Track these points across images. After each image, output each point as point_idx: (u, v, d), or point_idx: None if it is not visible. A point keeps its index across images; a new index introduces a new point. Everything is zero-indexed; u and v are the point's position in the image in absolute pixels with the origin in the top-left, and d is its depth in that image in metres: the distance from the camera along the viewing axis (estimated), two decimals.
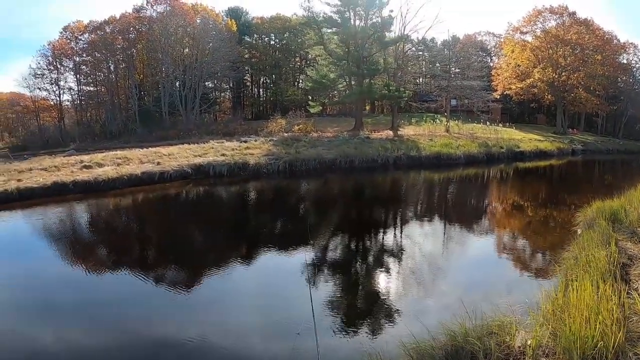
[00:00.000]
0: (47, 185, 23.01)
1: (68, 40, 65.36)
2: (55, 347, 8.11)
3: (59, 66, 65.29)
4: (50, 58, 64.52)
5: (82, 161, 28.09)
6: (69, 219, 20.21)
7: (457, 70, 54.33)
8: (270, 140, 34.23)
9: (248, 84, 77.03)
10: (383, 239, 14.12)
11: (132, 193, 23.48)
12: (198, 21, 60.27)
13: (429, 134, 37.88)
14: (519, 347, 5.11)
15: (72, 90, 67.22)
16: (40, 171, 26.26)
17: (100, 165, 27.17)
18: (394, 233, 14.76)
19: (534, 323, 5.66)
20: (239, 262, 12.15)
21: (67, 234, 17.29)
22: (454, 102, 50.51)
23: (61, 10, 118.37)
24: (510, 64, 60.57)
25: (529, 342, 5.02)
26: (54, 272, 12.56)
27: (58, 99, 67.40)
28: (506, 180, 26.82)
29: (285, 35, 70.84)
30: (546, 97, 59.61)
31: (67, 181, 23.55)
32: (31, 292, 11.01)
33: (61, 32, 66.14)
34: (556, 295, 6.39)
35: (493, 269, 10.91)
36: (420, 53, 66.93)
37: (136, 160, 28.17)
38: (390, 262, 11.61)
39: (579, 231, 11.00)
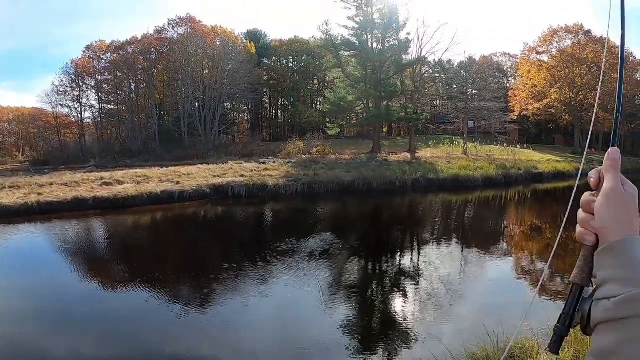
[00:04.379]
0: (68, 200, 23.42)
1: (90, 59, 66.63)
2: (68, 358, 8.31)
3: (81, 84, 66.52)
4: (72, 76, 65.80)
5: (102, 178, 28.50)
6: (88, 233, 20.56)
7: (474, 91, 54.20)
8: (288, 162, 34.44)
9: (266, 105, 77.62)
10: (401, 261, 14.15)
11: (151, 211, 23.74)
12: (218, 43, 61.16)
13: (446, 156, 37.88)
14: None
15: (93, 108, 68.42)
16: (61, 186, 26.68)
17: (120, 182, 27.52)
18: (412, 256, 14.80)
19: None
20: (255, 283, 12.24)
21: (85, 248, 17.62)
22: (471, 123, 50.39)
23: (84, 30, 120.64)
24: (527, 84, 60.27)
25: None
26: (70, 284, 12.82)
27: (79, 115, 68.73)
28: (524, 202, 26.72)
29: (303, 57, 71.40)
30: (564, 117, 59.14)
31: (87, 197, 23.94)
32: (47, 303, 11.28)
33: (84, 51, 67.44)
34: None
35: (512, 291, 10.92)
36: (437, 75, 66.79)
37: (156, 179, 28.46)
38: (409, 285, 11.65)
39: None
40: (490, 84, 51.48)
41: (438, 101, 69.01)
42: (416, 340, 8.20)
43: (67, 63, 69.67)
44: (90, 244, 18.93)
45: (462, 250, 15.30)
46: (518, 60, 68.43)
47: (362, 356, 7.89)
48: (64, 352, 8.52)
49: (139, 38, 64.28)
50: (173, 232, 21.02)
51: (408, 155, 39.33)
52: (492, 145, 44.78)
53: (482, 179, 30.06)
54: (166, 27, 63.33)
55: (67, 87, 66.03)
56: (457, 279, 11.91)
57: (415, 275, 12.36)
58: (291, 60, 73.98)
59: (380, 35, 43.76)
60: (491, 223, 20.35)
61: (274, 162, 34.34)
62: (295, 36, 73.63)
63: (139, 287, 11.95)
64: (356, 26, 42.95)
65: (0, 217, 21.65)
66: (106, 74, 66.63)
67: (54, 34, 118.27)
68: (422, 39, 44.01)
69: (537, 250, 15.07)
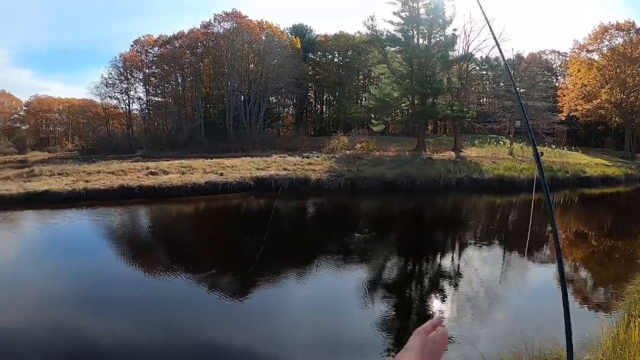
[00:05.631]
0: (114, 188, 24.14)
1: (138, 53, 68.64)
2: (106, 340, 8.64)
3: (129, 77, 68.54)
4: (121, 69, 67.81)
5: (148, 167, 29.16)
6: (132, 221, 21.12)
7: (521, 90, 53.04)
8: (332, 157, 34.51)
9: (311, 100, 77.83)
10: (441, 262, 14.13)
11: (194, 201, 24.16)
12: (263, 38, 61.74)
13: (492, 156, 37.18)
14: None
15: (141, 100, 70.72)
16: (108, 174, 27.44)
17: (165, 172, 28.09)
18: (452, 257, 14.76)
19: (592, 359, 5.55)
20: (293, 275, 12.38)
21: (127, 235, 18.16)
22: (518, 123, 49.24)
23: (132, 25, 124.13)
24: (576, 84, 58.04)
25: None
26: (111, 269, 13.28)
27: (127, 107, 71.10)
28: (570, 207, 26.03)
29: (348, 53, 71.31)
30: (614, 119, 56.73)
31: (133, 185, 24.59)
32: (89, 286, 11.70)
33: (132, 45, 69.55)
34: (617, 331, 6.23)
35: (552, 299, 10.65)
36: (484, 72, 65.74)
37: (200, 170, 28.93)
38: (447, 285, 11.63)
39: None
40: (539, 83, 50.19)
41: (484, 99, 67.91)
42: (451, 342, 8.11)
43: (115, 57, 71.93)
44: (133, 231, 19.45)
45: (504, 254, 15.12)
46: (567, 59, 66.46)
47: (395, 355, 7.81)
48: (101, 334, 8.87)
49: (186, 33, 65.64)
50: (215, 222, 21.36)
51: (453, 154, 38.89)
52: (539, 147, 43.59)
53: (527, 181, 29.15)
54: (212, 22, 64.18)
55: (115, 79, 68.20)
56: (496, 282, 11.81)
57: (454, 276, 12.34)
58: (336, 55, 73.94)
59: (426, 31, 43.16)
60: (535, 227, 19.92)
61: (317, 157, 34.48)
62: (340, 31, 73.41)
63: (178, 275, 12.26)
64: (402, 21, 42.50)
65: (48, 203, 22.55)
66: (153, 67, 68.35)
67: (101, 30, 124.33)
68: (468, 35, 43.08)
69: (581, 257, 14.73)
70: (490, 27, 3.05)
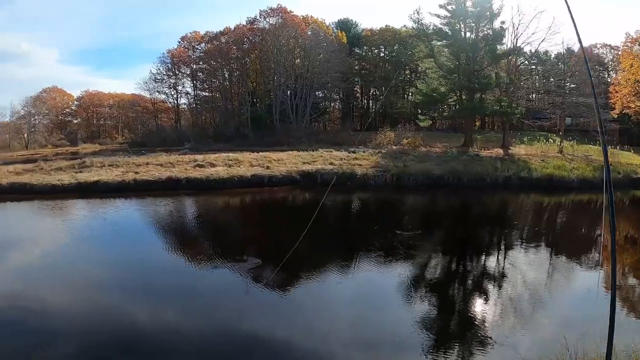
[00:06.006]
0: (162, 179, 24.82)
1: (186, 49, 70.61)
2: (149, 325, 9.16)
3: (177, 72, 70.57)
4: (169, 65, 70.06)
5: (195, 160, 29.79)
6: (178, 211, 21.62)
7: (572, 85, 51.40)
8: (378, 153, 34.49)
9: (358, 95, 77.67)
10: (485, 262, 13.99)
11: (240, 194, 24.55)
12: (309, 33, 61.92)
13: (541, 154, 36.19)
14: None
15: (188, 95, 72.62)
16: (157, 166, 28.16)
17: (212, 165, 28.60)
18: (498, 257, 14.62)
19: None
20: (335, 270, 12.48)
21: (173, 225, 18.70)
22: (568, 120, 47.95)
23: (178, 22, 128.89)
24: (629, 79, 55.26)
25: None
26: (157, 256, 13.74)
27: (175, 102, 73.27)
28: (622, 209, 25.03)
29: (395, 47, 70.94)
30: None
31: (180, 177, 25.21)
32: (135, 273, 12.19)
33: (179, 42, 71.76)
34: None
35: (598, 306, 10.41)
36: (534, 67, 64.18)
37: (247, 163, 29.30)
38: (491, 287, 11.55)
39: None
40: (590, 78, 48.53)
41: (534, 95, 66.25)
42: (491, 345, 8.11)
43: (163, 53, 73.94)
44: (179, 221, 19.92)
45: (550, 256, 14.76)
46: (619, 53, 64.11)
47: (434, 354, 7.81)
48: (146, 319, 9.25)
49: (232, 29, 66.63)
50: (260, 215, 21.65)
51: (501, 151, 38.27)
52: (590, 145, 42.31)
53: (577, 180, 28.22)
54: (258, 17, 64.98)
55: (164, 75, 70.55)
56: (541, 286, 11.61)
57: (498, 277, 12.25)
58: (382, 49, 73.66)
59: (473, 24, 42.50)
60: (584, 229, 19.37)
61: (363, 152, 34.47)
62: (386, 25, 73.14)
63: (221, 265, 12.60)
64: (448, 15, 42.02)
65: (99, 192, 23.42)
66: (201, 62, 69.93)
67: (149, 27, 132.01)
68: (517, 28, 41.63)
69: (631, 263, 14.19)
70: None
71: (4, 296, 10.47)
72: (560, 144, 40.10)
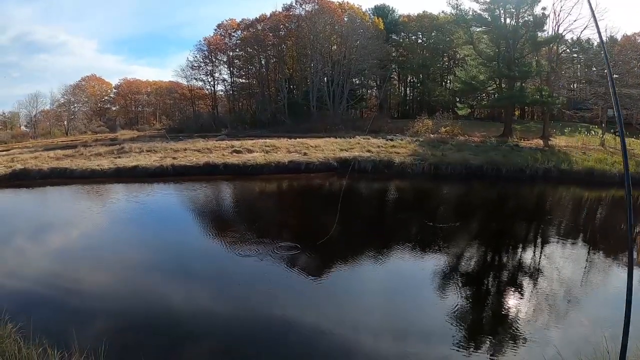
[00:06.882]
0: (200, 165, 25.19)
1: (222, 37, 70.96)
2: (185, 307, 9.44)
3: (213, 59, 70.93)
4: (206, 52, 70.42)
5: (232, 146, 30.06)
6: (216, 196, 21.94)
7: (615, 75, 49.77)
8: (416, 141, 34.31)
9: (395, 82, 76.79)
10: (522, 256, 13.82)
11: (277, 180, 24.69)
12: (345, 19, 61.56)
13: (582, 147, 35.21)
14: None
15: (225, 82, 72.88)
16: (194, 152, 28.54)
17: (249, 151, 28.81)
18: (534, 252, 14.34)
19: None
20: (369, 259, 12.52)
21: (210, 210, 19.05)
22: (611, 112, 46.53)
23: (214, 10, 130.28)
24: None
25: None
26: (193, 240, 13.99)
27: (212, 89, 73.38)
28: None
29: (432, 33, 69.68)
30: None
31: (217, 163, 25.54)
32: (171, 256, 12.40)
33: (215, 29, 72.11)
34: None
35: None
36: (575, 55, 62.48)
37: (284, 149, 29.41)
38: (526, 282, 11.40)
39: None
40: (634, 68, 47.12)
41: (575, 85, 64.62)
42: (524, 342, 8.10)
43: (200, 40, 74.61)
44: (216, 206, 20.20)
45: (589, 253, 14.34)
46: None
47: (466, 348, 7.76)
48: (179, 302, 9.67)
49: (268, 15, 66.95)
50: (296, 201, 21.76)
51: (541, 142, 37.42)
52: (633, 139, 40.89)
53: (619, 175, 27.30)
54: (294, 4, 65.17)
55: (200, 62, 70.98)
56: (578, 283, 11.37)
57: (534, 273, 12.05)
58: (420, 36, 72.50)
59: (513, 10, 41.22)
60: (624, 226, 18.71)
61: (401, 140, 34.32)
62: (424, 11, 71.99)
63: (256, 249, 12.68)
64: (488, 0, 41.03)
65: (138, 177, 23.93)
66: (237, 50, 70.47)
67: (185, 15, 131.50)
68: (558, 15, 40.14)
69: None
70: None
71: (45, 276, 10.77)
72: (602, 137, 38.85)
